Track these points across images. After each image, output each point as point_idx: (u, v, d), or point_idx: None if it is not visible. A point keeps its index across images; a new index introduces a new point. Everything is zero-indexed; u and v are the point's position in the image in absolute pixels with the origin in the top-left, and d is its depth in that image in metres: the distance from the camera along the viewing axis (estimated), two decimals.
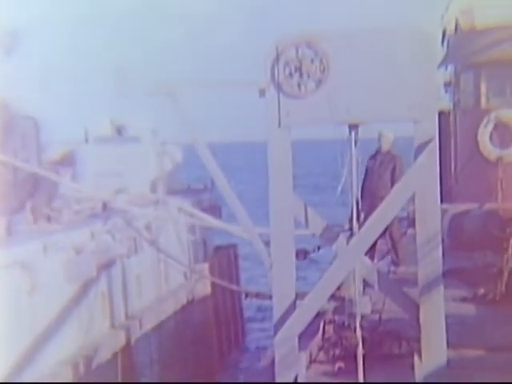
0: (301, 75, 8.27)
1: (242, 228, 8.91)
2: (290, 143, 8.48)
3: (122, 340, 14.07)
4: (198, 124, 8.79)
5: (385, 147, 14.88)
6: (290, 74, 8.29)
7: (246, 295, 17.01)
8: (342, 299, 10.23)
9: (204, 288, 18.41)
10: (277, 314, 8.59)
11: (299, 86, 8.28)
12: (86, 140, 19.55)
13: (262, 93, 8.40)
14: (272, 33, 8.61)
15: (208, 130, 9.55)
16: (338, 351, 10.13)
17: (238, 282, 21.66)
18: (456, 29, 16.46)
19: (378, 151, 15.02)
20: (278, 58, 8.29)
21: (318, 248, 15.71)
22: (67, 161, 17.99)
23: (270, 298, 8.99)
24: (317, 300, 8.62)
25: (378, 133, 14.70)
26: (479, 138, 15.91)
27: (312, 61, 8.25)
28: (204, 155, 8.69)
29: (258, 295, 15.62)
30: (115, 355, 13.73)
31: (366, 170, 14.76)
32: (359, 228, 8.53)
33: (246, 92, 8.64)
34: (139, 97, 9.07)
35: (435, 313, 8.32)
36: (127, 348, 14.23)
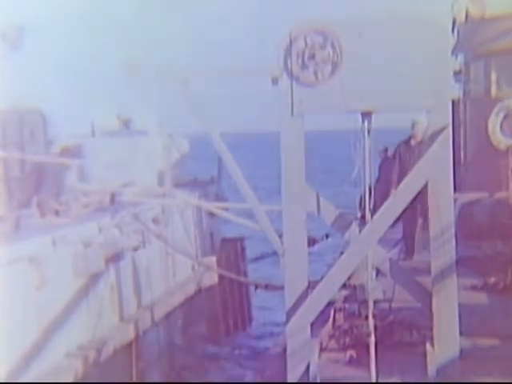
0: (314, 63, 8.27)
1: (257, 216, 8.90)
2: (303, 131, 8.49)
3: (131, 333, 14.09)
4: (210, 113, 8.81)
5: (420, 135, 14.45)
6: (303, 62, 8.28)
7: (256, 287, 17.02)
8: (353, 288, 10.23)
9: (211, 278, 18.45)
10: (289, 302, 8.61)
11: (312, 73, 8.27)
12: (93, 134, 19.58)
13: (275, 81, 8.40)
14: (285, 21, 8.58)
15: (220, 119, 9.55)
16: (348, 339, 10.14)
17: (245, 275, 21.67)
18: (466, 17, 16.39)
19: (411, 138, 14.67)
20: (290, 46, 8.29)
21: (327, 236, 15.73)
22: (71, 153, 17.97)
23: (280, 289, 8.98)
24: (329, 288, 8.64)
25: (411, 120, 14.40)
26: (489, 127, 15.85)
27: (325, 48, 8.24)
28: (218, 144, 8.71)
29: (267, 287, 15.63)
30: (124, 348, 13.75)
31: (398, 155, 14.50)
32: (371, 216, 8.53)
33: (259, 81, 8.65)
34: (147, 89, 9.07)
35: (448, 302, 8.33)
36: (136, 340, 14.24)
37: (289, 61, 8.30)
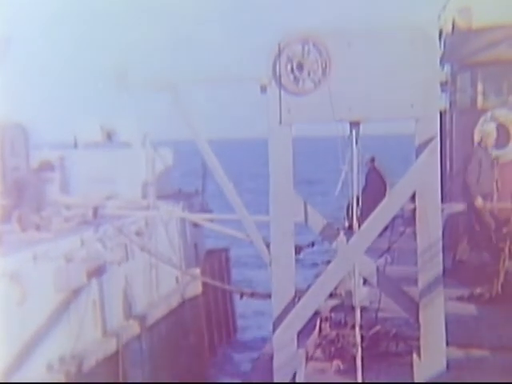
0: (302, 72, 8.27)
1: (244, 224, 8.88)
2: (291, 140, 8.48)
3: (113, 346, 13.98)
4: (198, 120, 8.79)
5: (491, 141, 14.83)
6: (292, 71, 8.28)
7: (241, 295, 16.96)
8: (340, 296, 10.21)
9: (195, 290, 18.37)
10: (276, 311, 8.58)
11: (301, 82, 8.27)
12: (75, 145, 19.46)
13: (264, 89, 8.39)
14: (274, 30, 8.59)
15: (208, 126, 9.53)
16: (334, 349, 10.11)
17: (229, 285, 21.60)
18: (453, 28, 16.43)
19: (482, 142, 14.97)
20: (279, 55, 8.29)
21: (313, 244, 15.71)
22: (53, 166, 17.80)
23: (266, 297, 8.93)
24: (316, 297, 8.62)
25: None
26: (476, 137, 15.87)
27: (314, 58, 8.25)
28: (205, 152, 8.69)
29: (253, 295, 15.58)
30: (107, 361, 13.64)
31: (476, 158, 14.71)
32: (359, 226, 8.52)
33: (248, 89, 8.64)
34: (133, 98, 9.02)
35: (435, 313, 8.32)
36: (119, 354, 14.13)
37: (277, 70, 8.30)
